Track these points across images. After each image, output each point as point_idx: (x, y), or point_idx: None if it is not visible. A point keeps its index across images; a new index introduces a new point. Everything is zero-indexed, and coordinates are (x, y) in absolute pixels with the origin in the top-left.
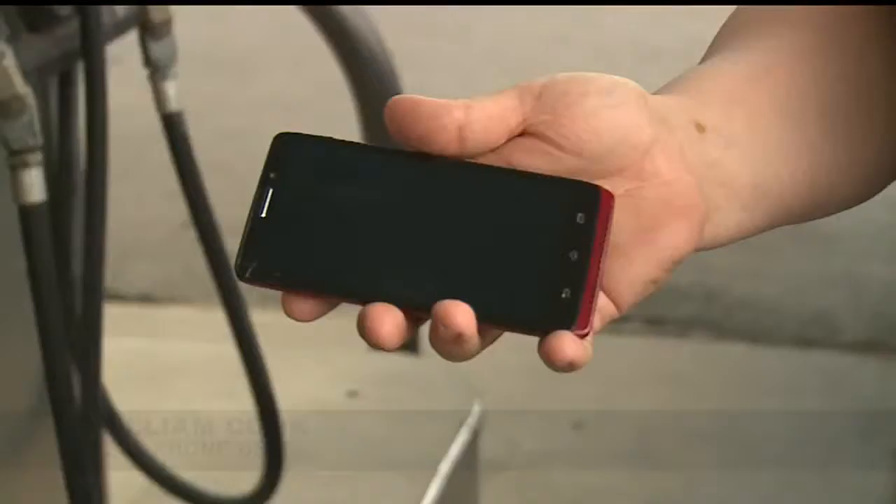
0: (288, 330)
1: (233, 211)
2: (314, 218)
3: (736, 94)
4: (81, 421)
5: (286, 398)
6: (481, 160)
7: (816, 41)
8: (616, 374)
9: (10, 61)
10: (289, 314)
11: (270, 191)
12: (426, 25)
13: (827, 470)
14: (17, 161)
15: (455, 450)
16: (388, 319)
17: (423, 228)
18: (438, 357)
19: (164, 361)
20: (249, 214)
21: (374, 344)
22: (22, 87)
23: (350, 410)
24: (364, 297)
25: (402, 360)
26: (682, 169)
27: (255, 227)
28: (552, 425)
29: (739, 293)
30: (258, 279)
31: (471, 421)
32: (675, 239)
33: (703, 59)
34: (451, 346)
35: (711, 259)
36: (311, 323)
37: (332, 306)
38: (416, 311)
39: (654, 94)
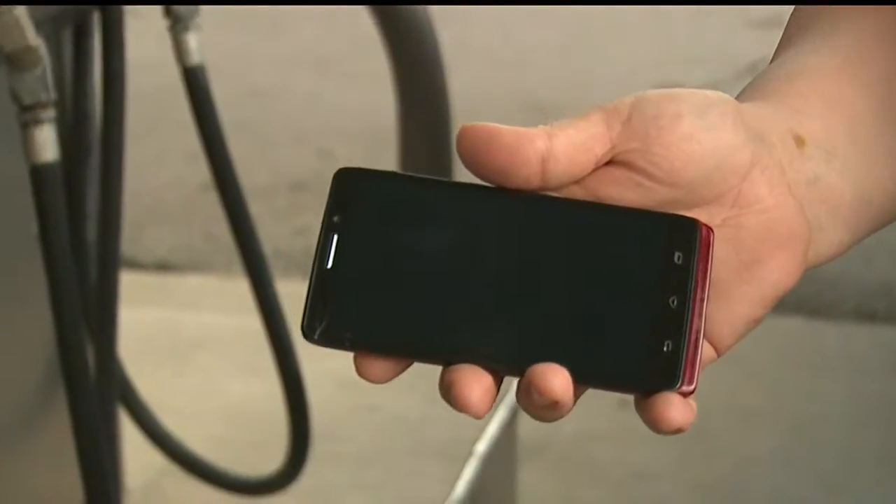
0: None
1: (258, 173)
2: (386, 268)
3: (832, 93)
4: (96, 396)
5: (313, 374)
6: (564, 193)
7: None
8: None
9: (21, 11)
10: (363, 376)
11: (335, 237)
12: None
13: (891, 453)
14: (28, 117)
15: (493, 429)
16: (478, 386)
17: (508, 276)
18: None
19: (184, 334)
20: (314, 265)
21: (463, 411)
22: (34, 39)
23: (381, 388)
24: (448, 359)
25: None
26: (784, 191)
27: (321, 281)
28: (596, 403)
29: None
30: (328, 341)
31: (509, 399)
32: (778, 273)
33: (780, 48)
34: (544, 412)
35: None
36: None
37: (409, 365)
38: (506, 373)
39: (741, 99)
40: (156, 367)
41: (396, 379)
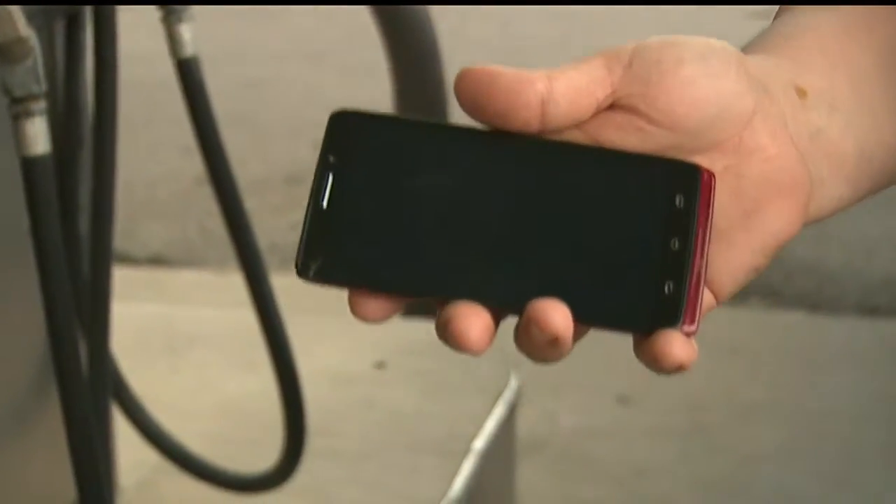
0: (311, 296)
1: (253, 166)
2: (383, 207)
3: (835, 50)
4: (89, 393)
5: (309, 369)
6: (565, 136)
7: None
8: None
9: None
10: (357, 315)
11: (331, 177)
12: None
13: (895, 449)
14: (19, 109)
15: (490, 426)
16: (477, 321)
17: (507, 217)
18: None
19: (178, 329)
20: (309, 205)
21: (461, 348)
22: (25, 30)
23: (378, 383)
24: (445, 296)
25: (434, 329)
26: (787, 141)
27: (316, 220)
28: (595, 399)
29: (799, 257)
30: (324, 278)
31: (507, 395)
32: (780, 222)
33: (779, 13)
34: (544, 351)
35: None
36: (335, 289)
37: (404, 305)
38: (504, 311)
39: (745, 52)
40: (150, 362)
41: (393, 375)
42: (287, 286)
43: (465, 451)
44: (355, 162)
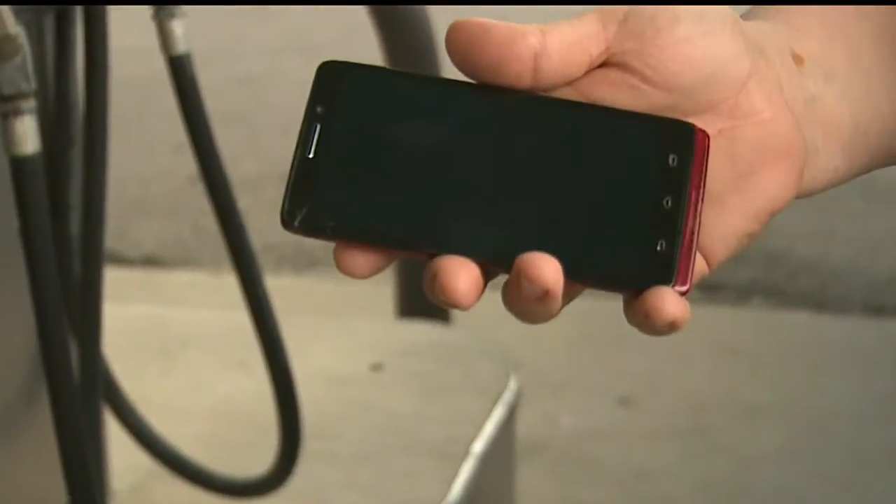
0: (306, 296)
1: (247, 164)
2: (370, 158)
3: (834, 19)
4: (80, 396)
5: (304, 371)
6: (557, 94)
7: None
8: (667, 345)
9: None
10: (342, 269)
11: (318, 127)
12: None
13: None
14: (8, 108)
15: (489, 428)
16: (465, 274)
17: (496, 171)
18: (471, 326)
19: (171, 331)
20: (295, 154)
21: (449, 302)
22: (14, 27)
23: (374, 385)
24: (432, 249)
25: (432, 330)
26: (782, 105)
27: (302, 169)
28: (596, 401)
29: (803, 255)
30: (308, 229)
31: (507, 396)
32: (774, 186)
33: None
34: (533, 306)
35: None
36: (331, 290)
37: (391, 260)
38: (493, 266)
39: (745, 19)
40: (142, 364)
41: (390, 377)
42: (283, 287)
43: (464, 454)
44: (343, 113)
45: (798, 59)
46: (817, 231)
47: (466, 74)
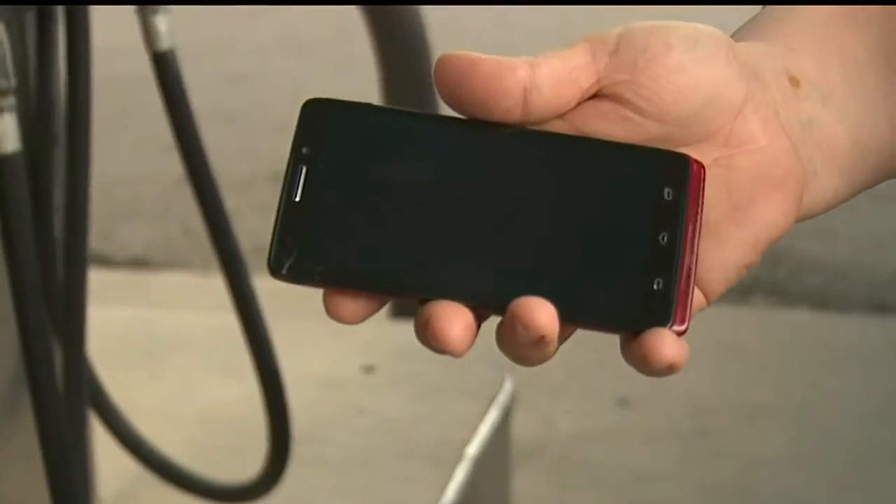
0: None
1: (237, 164)
2: (359, 201)
3: (829, 36)
4: (64, 401)
5: (295, 374)
6: (548, 127)
7: None
8: None
9: None
10: (333, 316)
11: (304, 169)
12: None
13: None
14: None
15: (484, 431)
16: (458, 321)
17: (488, 211)
18: None
19: (159, 334)
20: (281, 198)
21: (442, 349)
22: None
23: (367, 388)
24: (424, 294)
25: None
26: (778, 131)
27: (288, 214)
28: (594, 402)
29: (806, 253)
30: (297, 276)
31: (502, 398)
32: (772, 215)
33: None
34: (528, 351)
35: None
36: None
37: (382, 304)
38: (487, 310)
39: (735, 38)
40: (129, 368)
41: (382, 380)
42: (273, 289)
43: (458, 458)
44: (330, 153)
45: (794, 82)
46: (820, 229)
47: (455, 110)
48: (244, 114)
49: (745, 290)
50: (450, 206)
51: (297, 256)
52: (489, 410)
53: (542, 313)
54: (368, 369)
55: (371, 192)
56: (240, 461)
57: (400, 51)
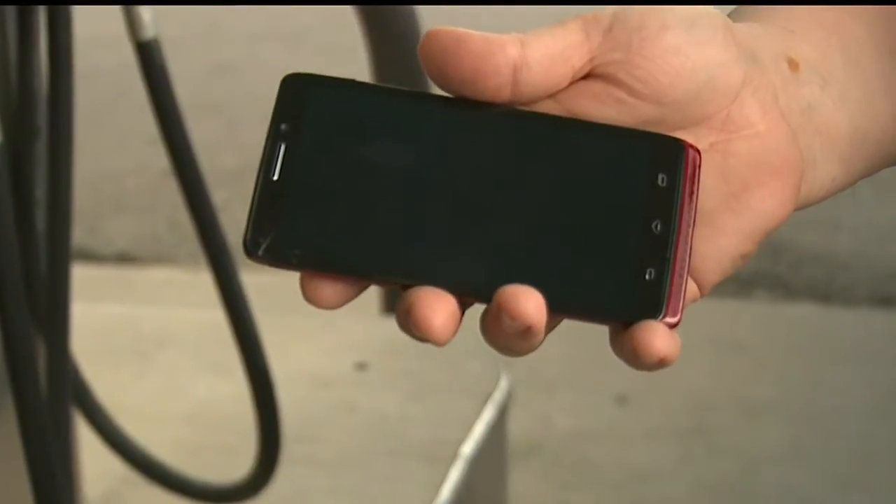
0: (287, 293)
1: (225, 155)
2: (339, 180)
3: (829, 19)
4: (48, 400)
5: (285, 371)
6: (538, 108)
7: None
8: None
9: None
10: (310, 300)
11: (283, 147)
12: None
13: None
14: None
15: (479, 429)
16: (442, 308)
17: (474, 194)
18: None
19: (146, 331)
20: (258, 177)
21: (424, 337)
22: None
23: (359, 385)
24: (406, 280)
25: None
26: (777, 116)
27: (266, 193)
28: (592, 399)
29: (809, 245)
30: (273, 258)
31: (497, 396)
32: (769, 204)
33: None
34: (514, 341)
35: None
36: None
37: (362, 289)
38: (471, 298)
39: (732, 20)
40: (115, 366)
41: (375, 377)
42: (263, 284)
43: (453, 457)
44: (310, 131)
45: (794, 65)
46: (823, 220)
47: (442, 88)
48: (232, 105)
49: (746, 283)
50: (434, 189)
51: (273, 238)
52: (485, 408)
53: (529, 303)
54: (361, 366)
55: (352, 172)
56: (229, 461)
57: (391, 35)
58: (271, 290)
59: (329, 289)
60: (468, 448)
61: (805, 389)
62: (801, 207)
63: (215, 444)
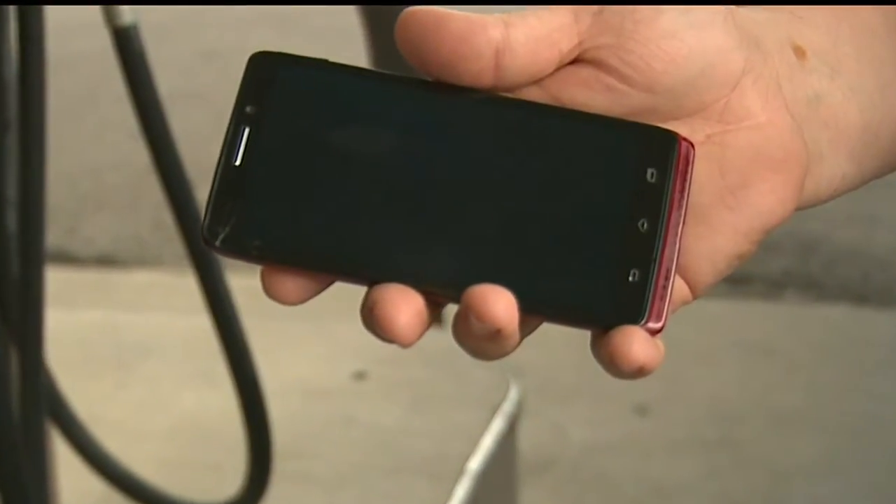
0: None
1: (213, 148)
2: (304, 168)
3: (842, 6)
4: (20, 413)
5: (278, 382)
6: (521, 94)
7: None
8: (690, 346)
9: None
10: (271, 295)
11: (247, 131)
12: None
13: None
14: None
15: (488, 443)
16: (407, 306)
17: (448, 186)
18: None
19: (127, 338)
20: (219, 162)
21: (388, 336)
22: None
23: (357, 397)
24: (371, 277)
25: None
26: (780, 107)
27: (226, 179)
28: (609, 410)
29: (842, 242)
30: (231, 249)
31: (507, 407)
32: (769, 201)
33: None
34: (484, 344)
35: None
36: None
37: (326, 285)
38: (440, 296)
39: (735, 2)
40: (94, 377)
41: (375, 387)
42: (253, 288)
43: (459, 473)
44: (276, 114)
45: (800, 52)
46: (857, 215)
47: (420, 70)
48: (219, 94)
49: (775, 283)
50: (406, 179)
51: (233, 227)
52: (493, 420)
53: (497, 304)
54: (359, 376)
55: (319, 159)
56: (216, 479)
57: (388, 20)
58: (262, 293)
59: (291, 283)
60: (475, 463)
61: (839, 397)
62: (807, 206)
63: (202, 461)
